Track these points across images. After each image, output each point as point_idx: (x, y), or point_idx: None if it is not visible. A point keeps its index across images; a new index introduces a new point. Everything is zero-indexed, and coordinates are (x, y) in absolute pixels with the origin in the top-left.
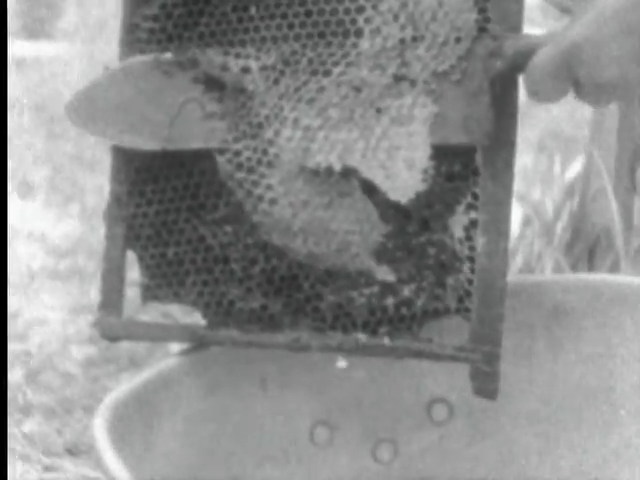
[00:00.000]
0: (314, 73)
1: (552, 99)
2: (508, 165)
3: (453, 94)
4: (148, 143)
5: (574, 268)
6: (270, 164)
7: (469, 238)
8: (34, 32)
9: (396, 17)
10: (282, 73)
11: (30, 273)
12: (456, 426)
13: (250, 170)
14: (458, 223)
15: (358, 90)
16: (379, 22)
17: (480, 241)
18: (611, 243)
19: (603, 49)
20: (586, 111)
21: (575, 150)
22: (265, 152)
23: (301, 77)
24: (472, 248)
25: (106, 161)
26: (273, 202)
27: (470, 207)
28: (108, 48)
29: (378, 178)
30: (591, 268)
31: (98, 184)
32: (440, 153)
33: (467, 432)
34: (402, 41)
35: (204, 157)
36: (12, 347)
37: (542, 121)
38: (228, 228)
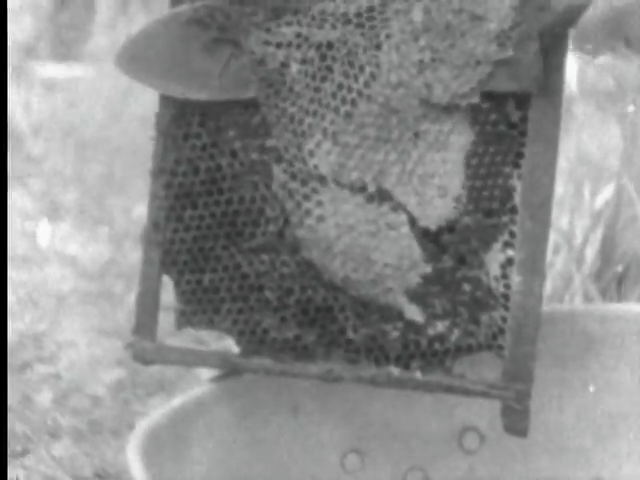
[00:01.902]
0: (346, 75)
1: (601, 53)
2: (546, 203)
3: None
4: (198, 93)
5: (603, 296)
6: (317, 177)
7: (505, 276)
8: (63, 55)
9: (416, 39)
10: (320, 69)
11: (59, 295)
12: (486, 454)
13: (303, 182)
14: (494, 260)
15: (391, 110)
16: (399, 40)
17: (516, 279)
18: None
19: None
20: (616, 138)
21: (605, 177)
22: (308, 163)
23: (336, 78)
24: (507, 286)
25: (136, 184)
26: (320, 219)
27: (507, 245)
28: None
29: (410, 204)
30: (620, 296)
31: (127, 207)
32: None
33: (497, 460)
34: (421, 62)
35: (242, 183)
36: (40, 369)
37: (571, 148)
38: (265, 257)
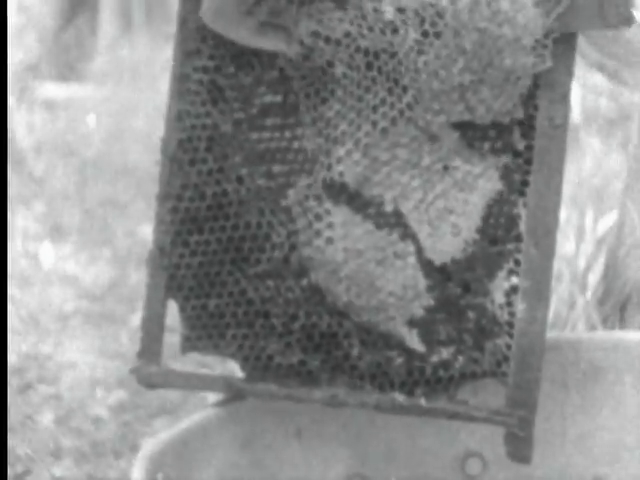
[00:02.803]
0: (390, 92)
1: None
2: (551, 232)
3: None
4: (276, 45)
5: (605, 322)
6: (336, 188)
7: (509, 304)
8: (65, 75)
9: (454, 62)
10: (365, 78)
11: (62, 316)
12: (489, 479)
13: (319, 200)
14: (499, 288)
15: (427, 137)
16: (437, 66)
17: (520, 307)
18: None
19: None
20: (619, 165)
21: (608, 203)
22: (333, 169)
23: (380, 92)
24: (512, 314)
25: (138, 205)
26: (329, 241)
27: (512, 272)
28: (139, 91)
29: (422, 233)
30: (623, 322)
31: (129, 228)
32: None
33: None
34: (461, 85)
35: (248, 209)
36: (42, 390)
37: (574, 174)
38: (270, 283)
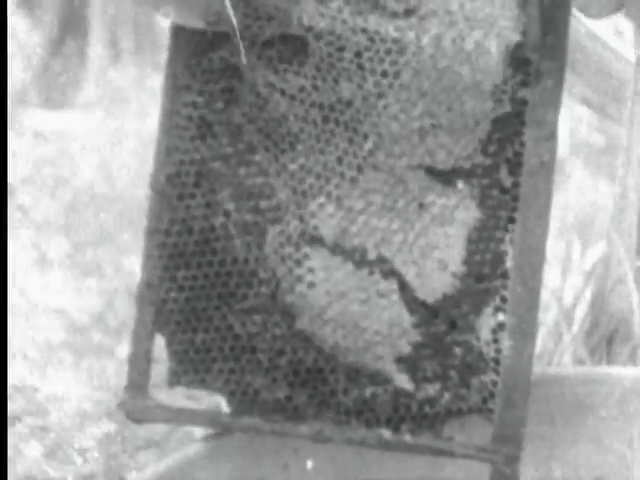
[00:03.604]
0: (351, 142)
1: (602, 15)
2: (537, 269)
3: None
4: (197, 22)
5: (592, 355)
6: (313, 240)
7: (496, 340)
8: (53, 103)
9: (414, 106)
10: (323, 132)
11: (49, 348)
12: None
13: (297, 246)
14: (485, 325)
15: (397, 179)
16: (396, 109)
17: (506, 344)
18: (630, 332)
19: None
20: (607, 196)
21: (595, 235)
22: (307, 223)
23: (341, 143)
24: (498, 350)
25: (126, 236)
26: (311, 286)
27: (498, 309)
28: (128, 120)
29: (409, 274)
30: (609, 356)
31: (117, 259)
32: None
33: None
34: (421, 129)
35: (235, 245)
36: (30, 422)
37: (561, 204)
38: (257, 318)
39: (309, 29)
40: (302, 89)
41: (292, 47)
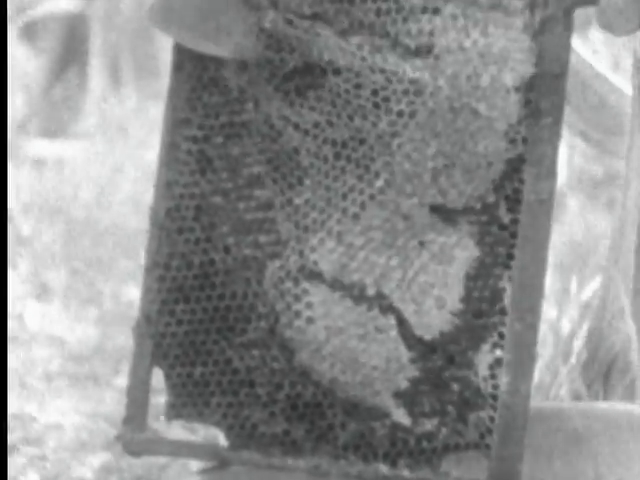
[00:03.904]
0: (360, 179)
1: (624, 33)
2: (535, 306)
3: (522, 26)
4: (220, 50)
5: (590, 388)
6: (312, 275)
7: (493, 376)
8: (53, 132)
9: (427, 145)
10: (333, 168)
11: (47, 377)
12: None
13: (296, 281)
14: (483, 361)
15: (400, 217)
16: (410, 148)
17: (504, 380)
18: (628, 364)
19: None
20: (605, 228)
21: (593, 267)
22: (307, 258)
23: (349, 180)
24: (496, 386)
25: (124, 265)
26: (310, 321)
27: (496, 345)
28: (127, 149)
29: (407, 311)
30: (606, 389)
31: (115, 289)
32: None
33: None
34: (434, 169)
35: (234, 279)
36: (27, 451)
37: (559, 236)
38: (255, 352)
39: (329, 63)
40: (316, 125)
41: (309, 82)
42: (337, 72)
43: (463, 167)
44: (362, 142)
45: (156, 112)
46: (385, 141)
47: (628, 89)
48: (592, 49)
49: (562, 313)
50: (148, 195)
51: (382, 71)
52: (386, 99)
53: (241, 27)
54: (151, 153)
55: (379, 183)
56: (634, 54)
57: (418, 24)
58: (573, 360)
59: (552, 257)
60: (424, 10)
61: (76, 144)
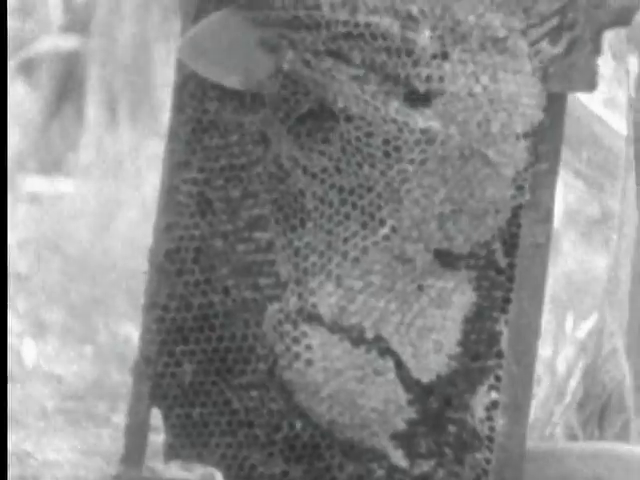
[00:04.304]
0: (364, 226)
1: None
2: (532, 349)
3: (530, 69)
4: (246, 84)
5: (584, 427)
6: (311, 317)
7: (490, 418)
8: (50, 169)
9: (436, 191)
10: (337, 213)
11: (44, 414)
12: None
13: (295, 324)
14: (480, 403)
15: (401, 261)
16: (419, 194)
17: (500, 422)
18: (622, 404)
19: None
20: (601, 266)
21: (588, 307)
22: (306, 300)
23: (352, 226)
24: (492, 428)
25: (120, 303)
26: (309, 363)
27: (492, 388)
28: (124, 186)
29: (406, 354)
30: (601, 428)
31: (112, 326)
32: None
33: None
34: (442, 214)
35: (233, 321)
36: None
37: (555, 277)
38: (254, 393)
39: (342, 110)
40: (324, 170)
41: (321, 126)
42: (349, 119)
43: (471, 213)
44: (369, 190)
45: (152, 148)
46: (394, 187)
47: (622, 128)
48: None
49: (557, 352)
50: (144, 232)
51: (394, 121)
52: (397, 148)
53: (265, 64)
54: (148, 189)
55: (384, 230)
56: (628, 93)
57: (428, 69)
58: (568, 399)
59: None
60: (434, 55)
61: (73, 180)
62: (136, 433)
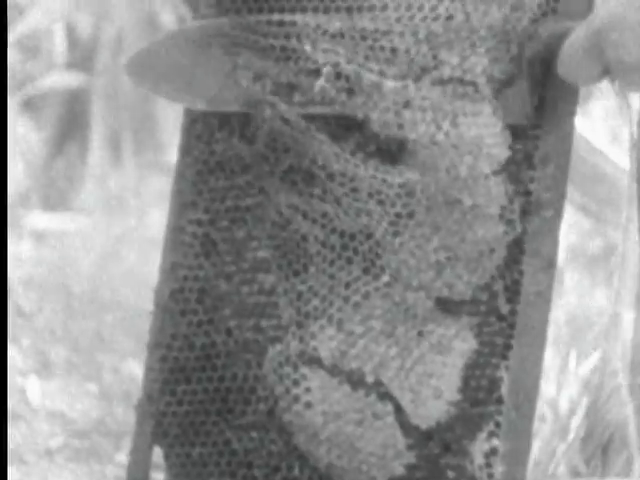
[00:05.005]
0: (366, 271)
1: (584, 82)
2: (532, 396)
3: (491, 110)
4: (196, 103)
5: (588, 464)
6: (311, 360)
7: (489, 465)
8: (54, 205)
9: (428, 240)
10: (339, 257)
11: (48, 452)
12: None
13: (295, 366)
14: (479, 449)
15: (402, 308)
16: (413, 245)
17: (499, 469)
18: (625, 442)
19: (629, 31)
20: (603, 302)
21: (591, 343)
22: (307, 343)
23: (354, 271)
24: (491, 475)
25: (125, 341)
26: (308, 406)
27: (492, 434)
28: (128, 222)
29: (405, 400)
30: (605, 465)
31: (116, 364)
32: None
33: None
34: (438, 262)
35: (235, 361)
36: None
37: (557, 312)
38: (254, 434)
39: (322, 168)
40: (325, 215)
41: (313, 175)
42: (331, 177)
43: (466, 257)
44: (369, 237)
45: (156, 186)
46: (388, 240)
47: (625, 162)
48: (590, 122)
49: (561, 390)
50: (148, 269)
51: (374, 177)
52: (382, 202)
53: (218, 80)
54: (152, 227)
55: (385, 278)
56: (630, 127)
57: (397, 117)
58: (571, 436)
59: (550, 332)
60: (395, 102)
61: (76, 217)
62: (138, 471)
